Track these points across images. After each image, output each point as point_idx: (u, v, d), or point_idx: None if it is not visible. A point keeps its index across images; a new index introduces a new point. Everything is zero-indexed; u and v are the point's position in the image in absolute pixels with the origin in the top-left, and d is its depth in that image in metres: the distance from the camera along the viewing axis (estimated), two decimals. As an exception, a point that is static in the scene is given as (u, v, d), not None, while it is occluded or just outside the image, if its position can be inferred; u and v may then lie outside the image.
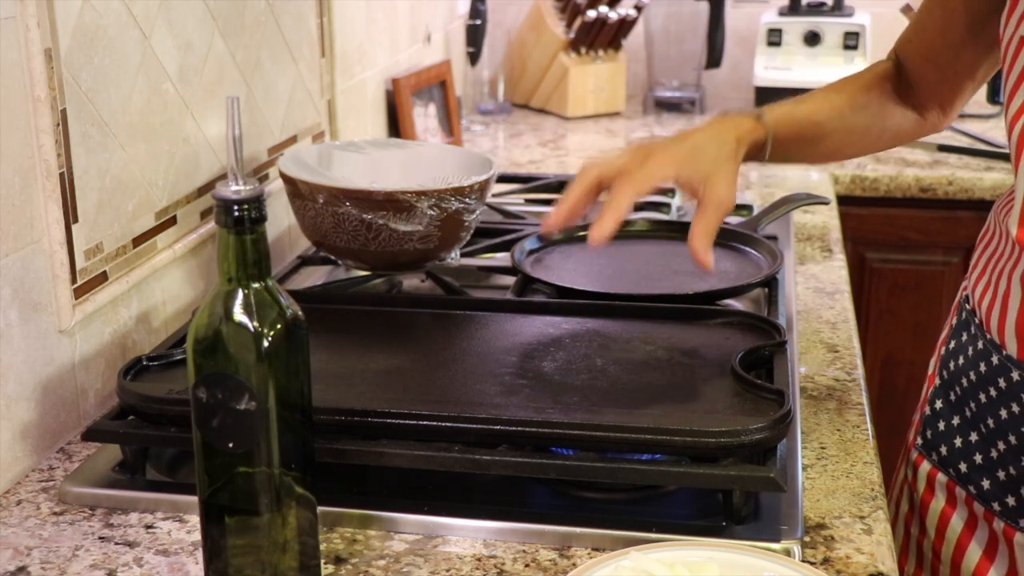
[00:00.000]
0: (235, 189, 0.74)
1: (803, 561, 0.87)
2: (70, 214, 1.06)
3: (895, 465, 1.26)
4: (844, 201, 2.06)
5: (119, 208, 1.15)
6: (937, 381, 1.15)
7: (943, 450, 1.12)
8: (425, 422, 0.94)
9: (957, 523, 1.11)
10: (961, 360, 1.10)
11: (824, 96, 1.20)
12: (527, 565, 0.88)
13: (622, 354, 1.10)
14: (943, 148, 2.22)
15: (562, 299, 1.28)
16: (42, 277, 1.04)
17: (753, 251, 1.44)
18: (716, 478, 0.90)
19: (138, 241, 1.19)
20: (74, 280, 1.08)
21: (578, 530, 0.91)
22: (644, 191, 1.03)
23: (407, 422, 0.95)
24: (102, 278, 1.13)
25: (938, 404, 1.14)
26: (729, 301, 1.32)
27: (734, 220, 1.62)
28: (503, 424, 0.94)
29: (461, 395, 1.02)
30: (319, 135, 1.69)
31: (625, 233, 1.51)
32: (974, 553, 1.09)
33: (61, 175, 1.05)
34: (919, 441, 1.17)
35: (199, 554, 0.88)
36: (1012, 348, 1.02)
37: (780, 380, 1.02)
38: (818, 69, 2.53)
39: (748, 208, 1.71)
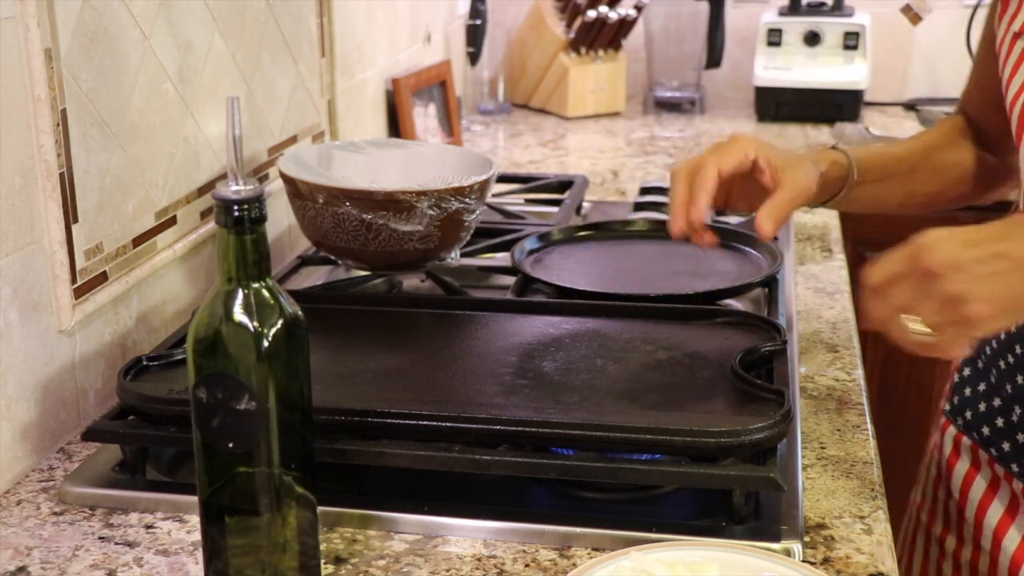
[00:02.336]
0: (235, 189, 0.74)
1: (803, 561, 0.87)
2: (70, 214, 1.06)
3: (895, 465, 1.27)
4: (844, 201, 2.06)
5: (119, 208, 1.15)
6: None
7: (968, 415, 1.16)
8: (425, 422, 0.94)
9: (980, 484, 1.14)
10: None
11: (904, 140, 1.19)
12: (527, 565, 0.88)
13: (622, 354, 1.10)
14: None
15: (562, 299, 1.28)
16: (42, 277, 1.04)
17: (753, 251, 1.43)
18: (716, 478, 0.90)
19: (138, 241, 1.19)
20: (74, 280, 1.08)
21: (578, 530, 0.91)
22: (727, 163, 1.04)
23: (407, 422, 0.95)
24: (102, 278, 1.13)
25: (966, 371, 1.17)
26: (729, 301, 1.32)
27: (734, 220, 1.63)
28: (503, 424, 0.94)
29: (461, 395, 1.02)
30: (319, 135, 1.69)
31: (625, 233, 1.52)
32: (996, 511, 1.12)
33: (61, 175, 1.05)
34: (947, 407, 1.20)
35: (199, 554, 0.88)
36: None
37: (780, 380, 1.02)
38: (818, 69, 2.54)
39: (748, 208, 1.71)
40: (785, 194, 1.03)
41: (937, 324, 0.84)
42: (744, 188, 1.09)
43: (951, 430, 1.19)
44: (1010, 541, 1.11)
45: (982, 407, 1.14)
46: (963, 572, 1.17)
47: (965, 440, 1.17)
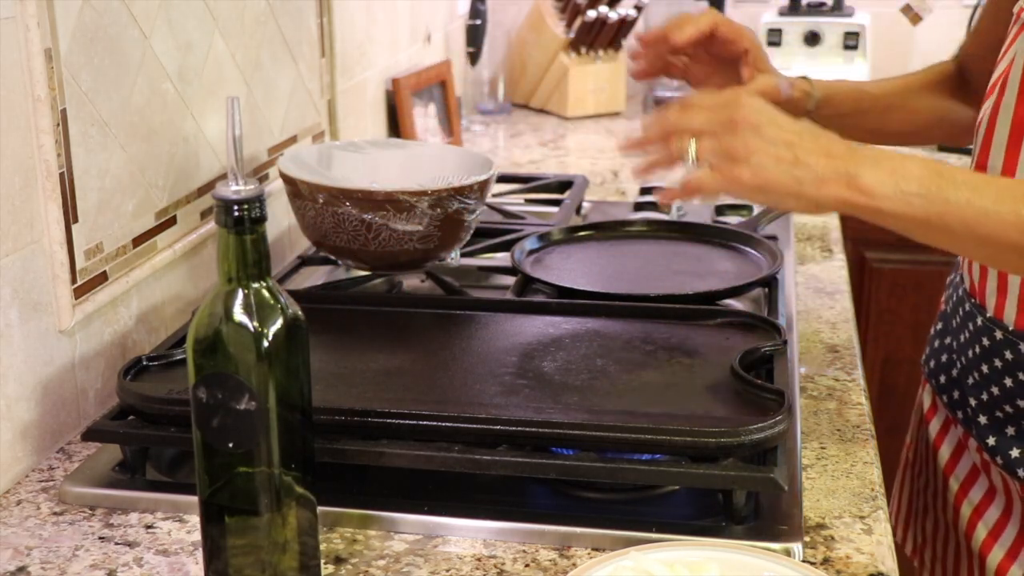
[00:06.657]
0: (235, 189, 0.74)
1: (803, 561, 0.87)
2: (70, 214, 1.06)
3: (895, 465, 1.27)
4: (844, 201, 2.05)
5: (119, 208, 1.15)
6: (943, 307, 1.24)
7: (932, 364, 1.21)
8: (425, 422, 0.94)
9: (935, 425, 1.21)
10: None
11: (888, 79, 1.26)
12: (527, 565, 0.88)
13: (622, 354, 1.10)
14: (943, 148, 2.22)
15: (562, 299, 1.28)
16: (42, 277, 1.04)
17: (753, 251, 1.44)
18: (716, 478, 0.90)
19: (138, 241, 1.19)
20: (74, 280, 1.08)
21: (578, 530, 0.91)
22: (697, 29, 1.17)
23: (407, 422, 0.95)
24: (102, 278, 1.13)
25: (939, 325, 1.22)
26: (729, 301, 1.32)
27: (734, 220, 1.63)
28: (503, 424, 0.94)
29: (461, 395, 1.02)
30: (319, 135, 1.69)
31: (625, 233, 1.52)
32: (945, 451, 1.19)
33: (61, 175, 1.05)
34: (923, 358, 1.26)
35: (199, 554, 0.88)
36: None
37: (780, 380, 1.02)
38: (818, 69, 2.53)
39: (748, 208, 1.71)
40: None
41: (704, 158, 0.91)
42: (708, 63, 1.21)
43: (922, 378, 1.25)
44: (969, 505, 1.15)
45: (944, 358, 1.18)
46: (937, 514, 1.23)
47: (928, 387, 1.23)
